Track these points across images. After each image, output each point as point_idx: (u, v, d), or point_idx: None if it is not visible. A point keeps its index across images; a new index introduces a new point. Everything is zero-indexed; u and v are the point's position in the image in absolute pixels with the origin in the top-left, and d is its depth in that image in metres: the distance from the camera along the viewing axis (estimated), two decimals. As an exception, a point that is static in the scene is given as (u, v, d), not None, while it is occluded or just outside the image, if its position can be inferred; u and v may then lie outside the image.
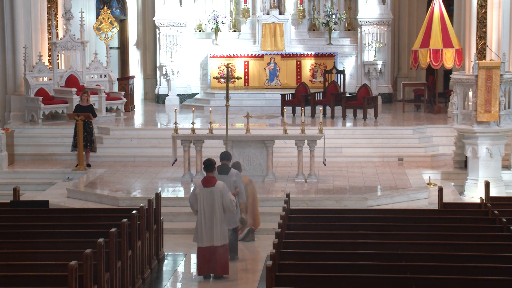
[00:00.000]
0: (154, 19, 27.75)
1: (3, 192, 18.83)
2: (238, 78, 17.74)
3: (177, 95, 27.60)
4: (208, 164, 13.16)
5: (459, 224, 12.91)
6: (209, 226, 13.05)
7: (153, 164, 20.69)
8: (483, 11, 21.98)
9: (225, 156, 14.25)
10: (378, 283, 10.03)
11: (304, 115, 18.85)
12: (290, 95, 24.80)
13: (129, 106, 25.93)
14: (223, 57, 27.14)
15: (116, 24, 27.01)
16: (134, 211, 12.94)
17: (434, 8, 23.92)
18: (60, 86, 24.23)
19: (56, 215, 13.75)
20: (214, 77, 18.80)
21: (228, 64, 16.61)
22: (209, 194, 13.03)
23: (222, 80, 26.92)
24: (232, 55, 27.15)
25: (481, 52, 21.87)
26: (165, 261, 14.48)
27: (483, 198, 14.74)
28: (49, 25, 24.62)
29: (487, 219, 13.24)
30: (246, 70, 27.06)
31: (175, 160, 18.81)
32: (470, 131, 18.22)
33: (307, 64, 26.99)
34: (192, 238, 13.47)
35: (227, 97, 16.73)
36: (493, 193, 16.30)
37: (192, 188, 13.38)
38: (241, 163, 15.95)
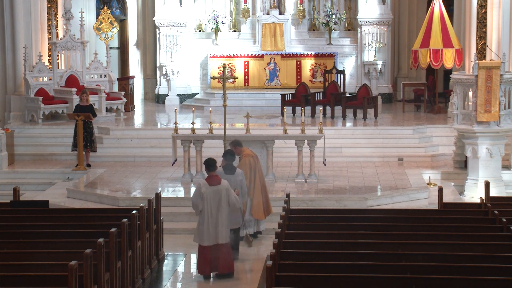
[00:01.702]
0: (154, 19, 27.76)
1: (3, 192, 18.84)
2: (236, 78, 17.65)
3: (177, 95, 27.60)
4: (211, 163, 13.22)
5: (459, 224, 12.91)
6: (215, 224, 13.07)
7: (153, 164, 20.69)
8: (483, 11, 21.98)
9: (231, 156, 14.27)
10: (378, 283, 10.03)
11: (304, 115, 18.85)
12: (290, 95, 24.80)
13: (129, 106, 25.94)
14: (223, 57, 27.14)
15: (116, 24, 27.01)
16: (134, 211, 12.94)
17: (434, 8, 23.92)
18: (60, 86, 24.24)
19: (56, 215, 13.75)
20: (212, 77, 18.58)
21: (225, 64, 16.56)
22: (215, 193, 13.07)
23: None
24: (232, 55, 27.16)
25: (481, 52, 21.87)
26: (165, 261, 14.48)
27: (483, 198, 14.74)
28: (49, 25, 24.62)
29: (487, 219, 13.24)
30: (246, 70, 27.07)
31: (175, 160, 18.81)
32: (470, 131, 18.22)
33: (307, 64, 26.99)
34: (193, 238, 13.44)
35: (224, 97, 16.63)
36: (493, 193, 16.30)
37: (194, 189, 13.34)
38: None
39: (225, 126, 16.63)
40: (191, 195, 13.49)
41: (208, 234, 13.09)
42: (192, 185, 18.22)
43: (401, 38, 29.20)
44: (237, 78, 17.98)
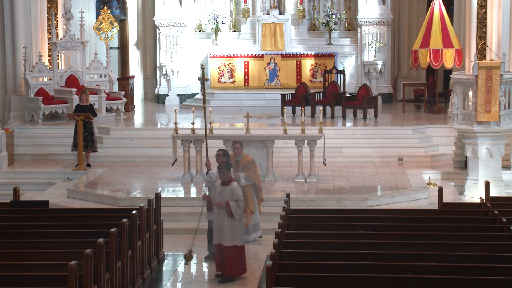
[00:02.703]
0: (154, 19, 27.76)
1: (3, 192, 18.83)
2: (206, 79, 16.98)
3: (177, 95, 27.60)
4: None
5: (459, 224, 12.91)
6: None
7: (153, 164, 20.69)
8: (483, 11, 21.98)
9: (228, 155, 14.36)
10: (378, 283, 10.03)
11: (304, 115, 18.85)
12: (290, 95, 24.79)
13: (129, 106, 25.93)
14: (223, 57, 27.13)
15: (116, 24, 27.01)
16: (134, 211, 12.94)
17: (434, 8, 23.91)
18: (60, 86, 24.24)
19: (56, 215, 13.75)
20: (198, 78, 17.73)
21: (203, 66, 16.25)
22: None
23: (223, 80, 27.06)
24: (232, 55, 27.15)
25: (481, 52, 21.86)
26: (165, 261, 14.47)
27: (483, 198, 14.74)
28: (49, 25, 24.62)
29: (487, 219, 13.24)
30: (246, 70, 27.07)
31: (175, 160, 18.80)
32: (470, 131, 18.22)
33: (307, 64, 26.99)
34: (238, 242, 13.04)
35: (204, 99, 16.05)
36: (493, 193, 16.29)
37: (237, 190, 13.05)
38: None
39: (206, 129, 15.86)
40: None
41: (244, 232, 13.31)
42: (192, 185, 18.23)
43: (401, 38, 29.20)
44: (207, 79, 17.11)
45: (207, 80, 16.71)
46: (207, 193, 13.94)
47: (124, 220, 12.21)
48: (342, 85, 25.50)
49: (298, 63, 27.00)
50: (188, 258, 13.32)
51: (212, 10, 28.02)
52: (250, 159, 15.13)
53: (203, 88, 15.69)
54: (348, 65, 27.29)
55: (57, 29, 24.75)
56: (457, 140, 19.88)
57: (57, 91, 24.11)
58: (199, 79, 16.11)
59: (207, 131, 18.69)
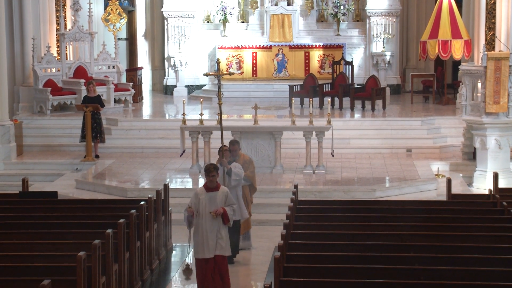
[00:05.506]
0: (162, 10, 27.74)
1: (12, 183, 18.88)
2: (231, 73, 17.01)
3: (185, 86, 27.60)
4: None
5: (468, 216, 12.90)
6: None
7: (161, 155, 20.71)
8: (492, 1, 21.90)
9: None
10: (386, 274, 10.03)
11: (312, 106, 18.85)
12: (298, 86, 24.77)
13: (137, 97, 25.95)
14: (231, 48, 27.11)
15: (124, 15, 27.02)
16: (142, 202, 12.97)
17: (443, -2, 23.84)
18: (69, 77, 24.26)
19: (65, 206, 13.78)
20: (203, 74, 17.49)
21: (219, 60, 16.10)
22: None
23: (231, 71, 27.02)
24: (240, 46, 27.12)
25: (490, 43, 21.79)
26: (173, 252, 14.51)
27: (492, 189, 14.71)
28: (57, 16, 24.63)
29: (496, 211, 13.22)
30: (254, 61, 27.04)
31: (183, 151, 18.82)
32: (478, 122, 18.17)
33: (315, 55, 26.95)
34: (229, 252, 11.97)
35: (219, 95, 15.79)
36: (501, 184, 16.26)
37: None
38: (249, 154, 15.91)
39: (221, 124, 15.50)
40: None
41: None
42: (200, 176, 18.25)
43: (410, 29, 29.11)
44: (232, 74, 17.05)
45: (223, 74, 16.33)
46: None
47: (133, 211, 12.24)
48: (350, 76, 25.45)
49: (306, 54, 26.96)
50: (188, 273, 12.29)
51: (220, 1, 27.97)
52: (248, 158, 14.33)
53: (219, 86, 15.26)
54: (356, 56, 27.23)
55: (66, 20, 24.78)
56: (465, 131, 19.84)
57: (66, 82, 24.14)
58: (205, 75, 16.02)
59: (217, 122, 18.74)
